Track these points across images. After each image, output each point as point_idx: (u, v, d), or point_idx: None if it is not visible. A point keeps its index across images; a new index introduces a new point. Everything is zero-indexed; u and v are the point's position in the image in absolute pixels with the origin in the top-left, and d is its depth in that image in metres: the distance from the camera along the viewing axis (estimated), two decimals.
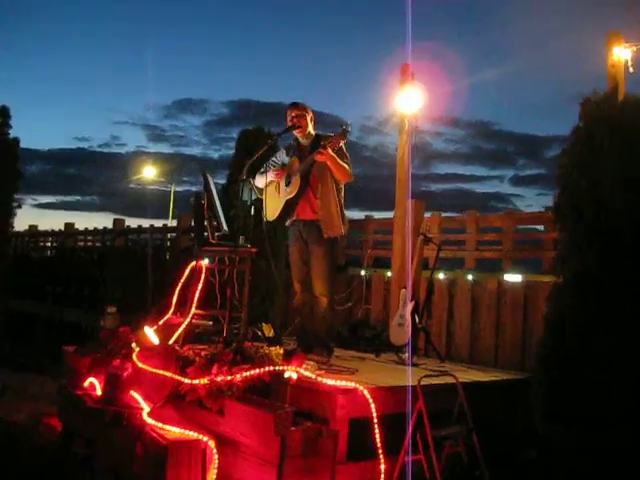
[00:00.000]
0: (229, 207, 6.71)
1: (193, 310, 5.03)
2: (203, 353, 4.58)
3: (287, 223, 5.35)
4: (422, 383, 4.09)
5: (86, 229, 11.47)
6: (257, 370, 4.02)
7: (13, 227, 9.66)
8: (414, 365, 5.35)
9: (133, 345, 4.91)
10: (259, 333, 5.66)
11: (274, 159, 5.46)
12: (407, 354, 5.41)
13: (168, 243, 9.54)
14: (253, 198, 5.67)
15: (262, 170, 5.45)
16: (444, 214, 6.56)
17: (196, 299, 5.04)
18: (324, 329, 5.19)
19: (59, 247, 11.53)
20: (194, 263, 5.27)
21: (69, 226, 11.93)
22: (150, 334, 4.96)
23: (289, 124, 5.29)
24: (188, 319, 4.97)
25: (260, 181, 5.43)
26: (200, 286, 5.08)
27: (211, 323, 5.66)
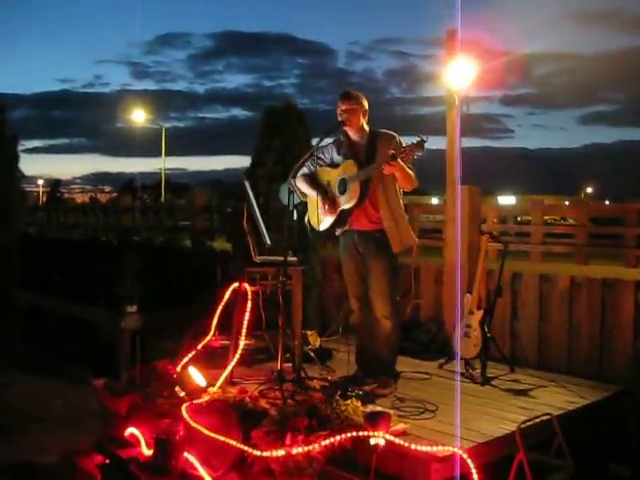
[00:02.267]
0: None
1: (242, 343, 4.41)
2: (264, 403, 4.00)
3: (337, 232, 4.68)
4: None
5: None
6: (338, 437, 3.44)
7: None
8: (487, 382, 4.81)
9: (177, 389, 4.31)
10: (306, 347, 5.11)
11: (321, 155, 4.74)
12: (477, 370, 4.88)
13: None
14: (296, 202, 4.98)
15: (306, 171, 4.75)
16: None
17: (244, 329, 4.42)
18: (389, 354, 4.60)
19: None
20: (236, 285, 4.62)
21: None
22: (196, 376, 4.36)
23: (338, 118, 4.56)
24: (237, 355, 4.36)
25: (303, 186, 4.74)
26: (248, 314, 4.44)
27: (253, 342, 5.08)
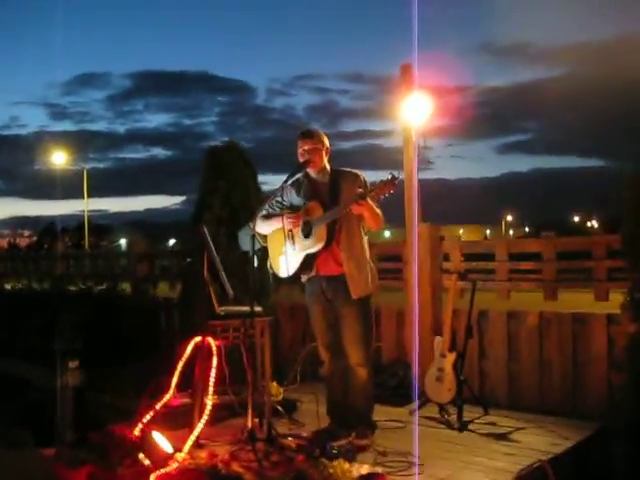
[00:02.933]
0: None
1: (209, 402, 4.08)
2: (238, 467, 3.68)
3: (303, 279, 4.43)
4: None
5: None
6: None
7: None
8: (464, 427, 4.61)
9: (140, 457, 3.93)
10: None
11: (279, 199, 4.49)
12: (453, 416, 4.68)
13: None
14: (256, 247, 4.71)
15: (264, 213, 4.49)
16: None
17: (211, 387, 4.09)
18: (365, 404, 4.36)
19: None
20: (198, 339, 4.30)
21: None
22: (161, 441, 3.99)
23: (300, 158, 4.34)
24: (205, 416, 4.03)
25: (264, 227, 4.47)
26: (214, 371, 4.12)
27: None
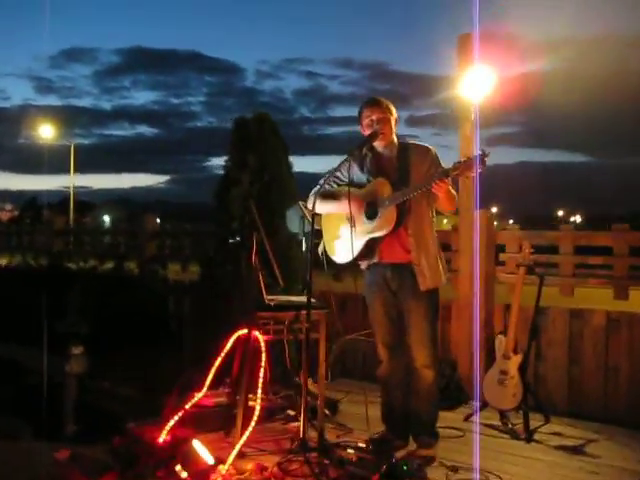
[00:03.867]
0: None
1: (258, 406, 3.55)
2: None
3: (363, 266, 3.91)
4: None
5: None
6: None
7: None
8: (531, 438, 4.14)
9: (178, 469, 3.39)
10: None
11: (338, 174, 3.95)
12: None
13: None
14: (306, 229, 4.18)
15: (322, 190, 3.95)
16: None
17: (261, 388, 3.56)
18: (431, 410, 3.84)
19: None
20: (241, 333, 3.76)
21: None
22: (202, 451, 3.45)
23: (366, 130, 3.80)
24: (252, 424, 3.50)
25: (323, 206, 3.92)
26: (263, 370, 3.58)
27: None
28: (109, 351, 6.37)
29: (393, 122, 3.81)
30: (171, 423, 3.81)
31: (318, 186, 4.00)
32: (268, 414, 4.12)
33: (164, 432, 3.78)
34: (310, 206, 3.92)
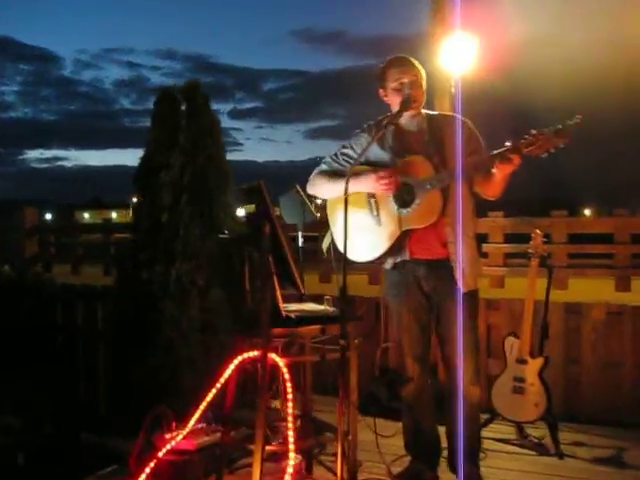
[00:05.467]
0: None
1: (293, 457, 2.72)
2: None
3: (387, 265, 3.18)
4: None
5: None
6: None
7: None
8: (562, 452, 3.65)
9: None
10: None
11: (349, 151, 3.21)
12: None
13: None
14: (307, 219, 3.38)
15: (327, 169, 3.21)
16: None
17: (292, 434, 2.73)
18: (475, 436, 3.21)
19: None
20: (247, 355, 2.90)
21: None
22: None
23: (393, 96, 3.08)
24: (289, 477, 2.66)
25: (328, 188, 3.18)
26: (291, 405, 2.76)
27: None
28: None
29: (424, 87, 3.12)
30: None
31: (324, 165, 3.26)
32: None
33: None
34: (312, 190, 3.19)
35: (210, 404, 3.05)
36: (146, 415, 3.29)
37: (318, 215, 3.73)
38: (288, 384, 2.78)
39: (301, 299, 3.19)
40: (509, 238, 4.60)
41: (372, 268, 4.97)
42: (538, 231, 3.90)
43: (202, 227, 4.64)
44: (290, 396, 2.75)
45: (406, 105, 3.01)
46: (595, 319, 4.29)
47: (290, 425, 2.71)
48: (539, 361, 3.79)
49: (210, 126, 4.89)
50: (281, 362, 2.81)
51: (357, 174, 3.03)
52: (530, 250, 3.88)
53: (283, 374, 2.79)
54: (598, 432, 4.02)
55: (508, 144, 2.83)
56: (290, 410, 2.73)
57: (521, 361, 3.83)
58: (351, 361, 2.93)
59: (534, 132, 2.77)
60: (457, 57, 4.36)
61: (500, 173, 2.89)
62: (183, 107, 4.83)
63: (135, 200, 4.97)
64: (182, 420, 3.30)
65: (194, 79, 5.03)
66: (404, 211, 3.03)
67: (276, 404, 3.75)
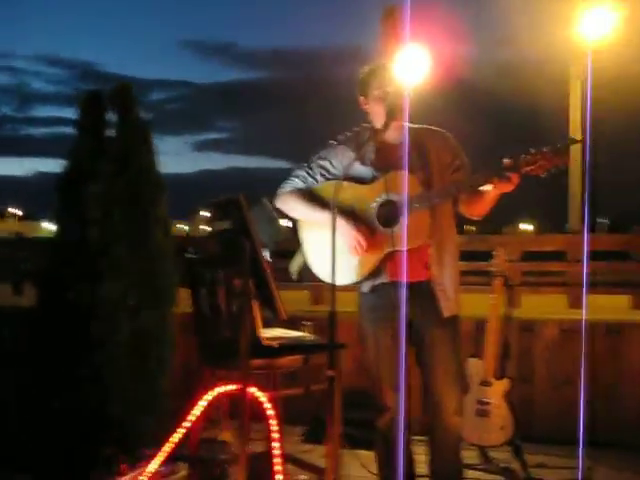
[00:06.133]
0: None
1: None
2: None
3: (364, 288, 2.96)
4: None
5: None
6: None
7: None
8: (530, 476, 3.56)
9: None
10: None
11: (325, 163, 2.98)
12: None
13: None
14: (276, 238, 3.12)
15: (298, 183, 2.97)
16: None
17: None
18: (459, 467, 3.03)
19: None
20: (222, 390, 2.60)
21: None
22: None
23: (375, 105, 2.89)
24: None
25: (304, 212, 2.94)
26: (278, 446, 2.48)
27: None
28: None
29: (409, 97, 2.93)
30: None
31: (295, 179, 3.00)
32: None
33: None
34: (284, 207, 2.95)
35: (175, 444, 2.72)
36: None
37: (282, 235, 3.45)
38: (272, 421, 2.50)
39: (269, 324, 2.92)
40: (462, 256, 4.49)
41: (316, 286, 4.76)
42: (500, 249, 3.80)
43: (134, 243, 4.28)
44: (277, 435, 2.47)
45: (393, 115, 2.81)
46: (548, 337, 4.24)
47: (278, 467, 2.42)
48: (504, 382, 3.69)
49: (143, 132, 4.53)
50: (263, 397, 2.53)
51: (339, 211, 2.78)
52: (493, 268, 3.78)
53: (266, 410, 2.51)
54: (558, 452, 3.95)
55: (507, 161, 2.67)
56: (277, 451, 2.44)
57: (485, 383, 3.71)
58: (336, 393, 2.69)
59: (533, 151, 2.64)
60: (409, 68, 4.21)
61: (494, 192, 2.74)
62: (112, 111, 4.45)
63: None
64: (130, 460, 2.95)
65: (125, 82, 4.59)
66: (389, 230, 2.82)
67: (224, 436, 3.49)
